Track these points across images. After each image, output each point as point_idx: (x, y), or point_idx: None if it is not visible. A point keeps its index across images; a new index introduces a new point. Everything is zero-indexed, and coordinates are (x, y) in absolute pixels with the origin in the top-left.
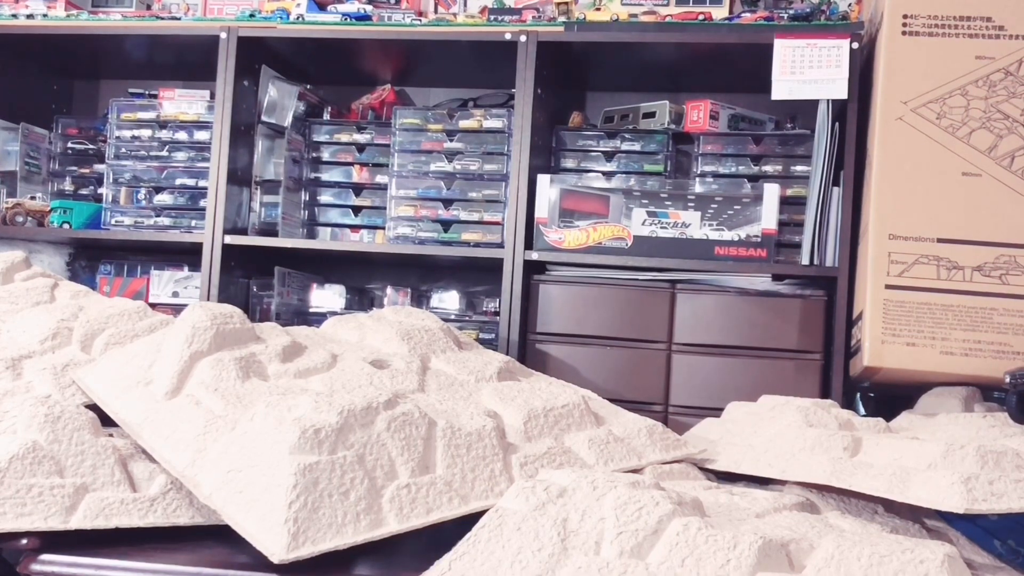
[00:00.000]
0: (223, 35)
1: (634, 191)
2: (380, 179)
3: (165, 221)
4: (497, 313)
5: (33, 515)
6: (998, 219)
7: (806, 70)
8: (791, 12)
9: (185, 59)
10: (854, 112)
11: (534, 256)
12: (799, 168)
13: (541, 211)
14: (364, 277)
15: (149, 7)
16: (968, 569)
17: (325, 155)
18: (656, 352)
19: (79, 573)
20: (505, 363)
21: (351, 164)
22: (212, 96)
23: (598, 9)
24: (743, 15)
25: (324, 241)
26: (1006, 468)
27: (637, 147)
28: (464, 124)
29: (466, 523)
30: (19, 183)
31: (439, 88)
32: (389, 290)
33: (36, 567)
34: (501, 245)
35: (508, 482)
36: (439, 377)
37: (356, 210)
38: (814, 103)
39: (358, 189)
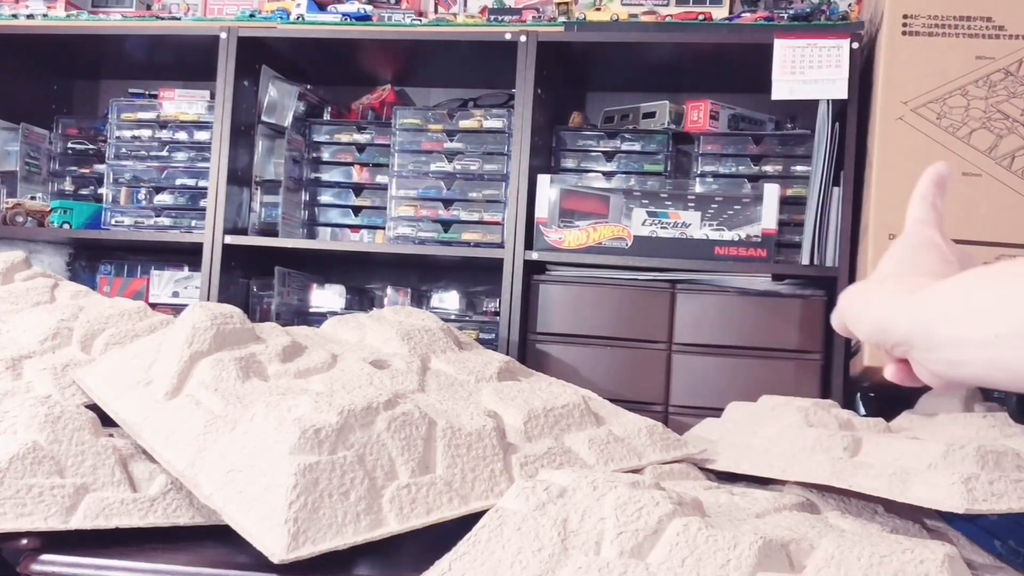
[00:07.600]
0: (223, 35)
1: (634, 191)
2: (380, 179)
3: (165, 221)
4: (497, 313)
5: (33, 515)
6: (998, 219)
7: (806, 70)
8: (791, 12)
9: (185, 59)
10: (854, 112)
11: (534, 256)
12: (799, 168)
13: (541, 211)
14: (364, 277)
15: (149, 7)
16: (968, 569)
17: (325, 155)
18: (656, 352)
19: (79, 573)
20: (505, 363)
21: (351, 164)
22: (212, 96)
23: (598, 9)
24: (743, 15)
25: (324, 241)
26: (1006, 468)
27: (637, 147)
28: (464, 124)
29: (466, 523)
30: (19, 183)
31: (439, 88)
32: (389, 290)
33: (36, 567)
34: (501, 245)
35: (508, 482)
36: (439, 377)
37: (356, 210)
38: (814, 103)
39: (358, 189)
